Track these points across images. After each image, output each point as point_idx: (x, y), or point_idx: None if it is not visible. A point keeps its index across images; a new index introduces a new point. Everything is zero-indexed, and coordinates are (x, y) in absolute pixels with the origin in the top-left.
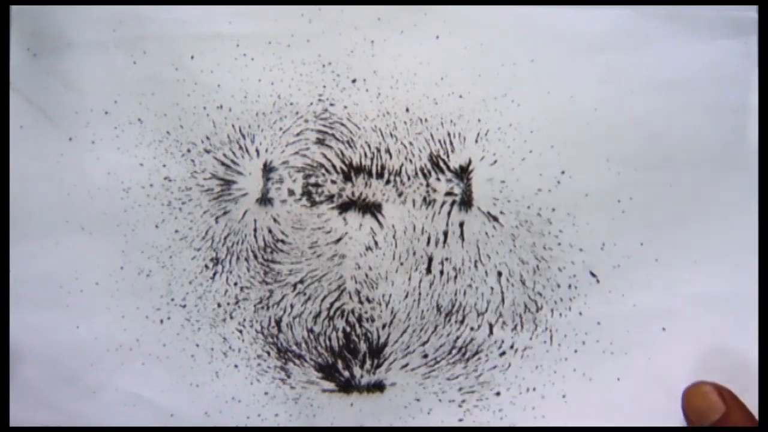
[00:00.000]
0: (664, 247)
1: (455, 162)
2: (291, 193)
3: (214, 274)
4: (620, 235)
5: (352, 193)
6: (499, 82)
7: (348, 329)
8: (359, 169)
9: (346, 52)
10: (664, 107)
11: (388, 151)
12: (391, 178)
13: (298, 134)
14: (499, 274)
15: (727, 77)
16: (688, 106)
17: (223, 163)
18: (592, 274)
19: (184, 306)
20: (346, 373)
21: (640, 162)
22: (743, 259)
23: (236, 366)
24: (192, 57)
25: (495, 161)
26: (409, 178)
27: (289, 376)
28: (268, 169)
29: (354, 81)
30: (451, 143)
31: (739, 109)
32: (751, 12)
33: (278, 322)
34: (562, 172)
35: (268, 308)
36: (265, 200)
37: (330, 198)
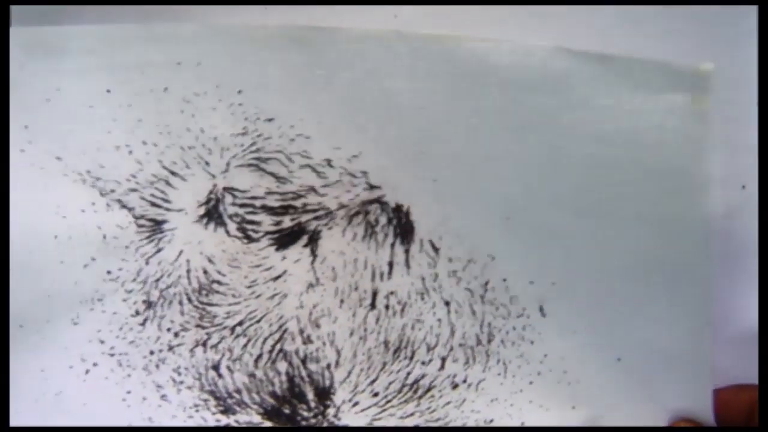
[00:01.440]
0: (614, 295)
1: (391, 199)
2: (226, 230)
3: (145, 320)
4: (570, 275)
5: (290, 229)
6: (425, 117)
7: (291, 372)
8: (296, 205)
9: (263, 81)
10: (597, 160)
11: (324, 186)
12: (330, 212)
13: (226, 171)
14: (447, 304)
15: (671, 138)
16: (625, 164)
17: (152, 203)
18: (541, 309)
19: (113, 355)
20: (293, 417)
21: (579, 211)
22: (693, 320)
23: (172, 414)
24: (108, 91)
25: (435, 197)
26: (348, 212)
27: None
28: (200, 206)
29: (271, 120)
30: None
31: (685, 175)
32: (705, 64)
33: (216, 367)
34: (503, 211)
35: (204, 352)
36: (200, 236)
37: (267, 234)
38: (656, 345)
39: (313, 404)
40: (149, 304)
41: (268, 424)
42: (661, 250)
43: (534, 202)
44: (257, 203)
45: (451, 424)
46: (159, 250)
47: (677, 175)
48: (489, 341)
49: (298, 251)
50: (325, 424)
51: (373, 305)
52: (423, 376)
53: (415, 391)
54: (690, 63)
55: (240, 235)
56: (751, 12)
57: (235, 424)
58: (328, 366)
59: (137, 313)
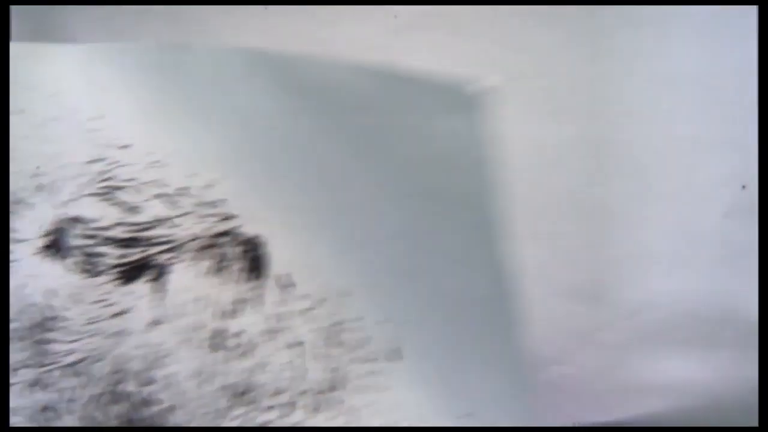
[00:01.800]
0: (457, 339)
1: (246, 231)
2: (69, 263)
3: None
4: (419, 316)
5: (136, 262)
6: (277, 141)
7: (130, 414)
8: (144, 238)
9: (121, 106)
10: (417, 188)
11: (177, 216)
12: (180, 245)
13: (75, 199)
14: (298, 345)
15: (469, 161)
16: (436, 190)
17: None
18: (395, 353)
19: None
20: None
21: (416, 244)
22: (513, 367)
23: None
24: None
25: (289, 228)
26: (200, 244)
27: None
28: (44, 236)
29: (126, 146)
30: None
31: (483, 203)
32: (473, 87)
33: (52, 408)
34: (352, 243)
35: (41, 392)
36: (42, 268)
37: (112, 268)
38: (497, 396)
39: None
40: None
41: None
42: (480, 291)
43: (378, 233)
44: (104, 234)
45: None
46: None
47: (477, 203)
48: (340, 387)
49: (143, 286)
50: None
51: (219, 346)
52: (267, 423)
53: None
54: (472, 82)
55: (84, 268)
56: (751, 12)
57: None
58: (169, 409)
59: None
